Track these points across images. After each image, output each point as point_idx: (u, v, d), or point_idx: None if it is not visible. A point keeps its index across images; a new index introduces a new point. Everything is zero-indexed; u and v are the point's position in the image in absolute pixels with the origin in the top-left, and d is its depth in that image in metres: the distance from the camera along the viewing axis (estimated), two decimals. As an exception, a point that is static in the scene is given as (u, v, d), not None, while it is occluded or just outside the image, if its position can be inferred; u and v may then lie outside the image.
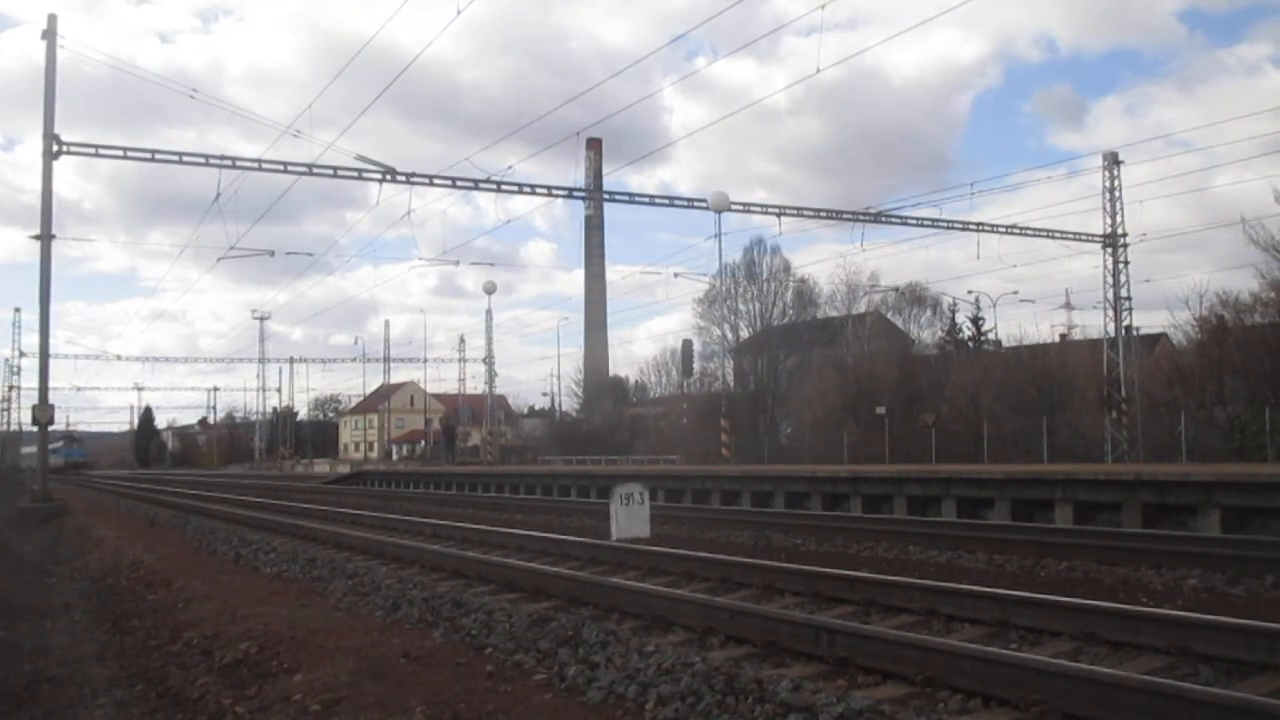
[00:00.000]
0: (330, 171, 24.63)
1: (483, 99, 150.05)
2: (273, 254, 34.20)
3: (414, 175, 25.33)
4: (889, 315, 53.49)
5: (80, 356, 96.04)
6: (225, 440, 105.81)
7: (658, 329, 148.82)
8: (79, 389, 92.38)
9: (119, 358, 77.37)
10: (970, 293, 50.87)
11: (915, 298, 52.24)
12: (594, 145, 78.22)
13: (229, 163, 24.41)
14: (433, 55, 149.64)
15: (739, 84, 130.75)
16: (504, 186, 25.77)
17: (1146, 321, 59.80)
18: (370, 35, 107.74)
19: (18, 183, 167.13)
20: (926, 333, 52.64)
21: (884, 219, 29.02)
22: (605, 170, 77.28)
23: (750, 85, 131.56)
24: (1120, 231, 29.03)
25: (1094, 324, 60.32)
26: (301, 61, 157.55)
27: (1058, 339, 43.26)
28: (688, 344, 57.32)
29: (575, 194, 39.88)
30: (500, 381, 59.85)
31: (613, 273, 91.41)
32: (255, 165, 24.55)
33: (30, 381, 74.37)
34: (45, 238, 24.30)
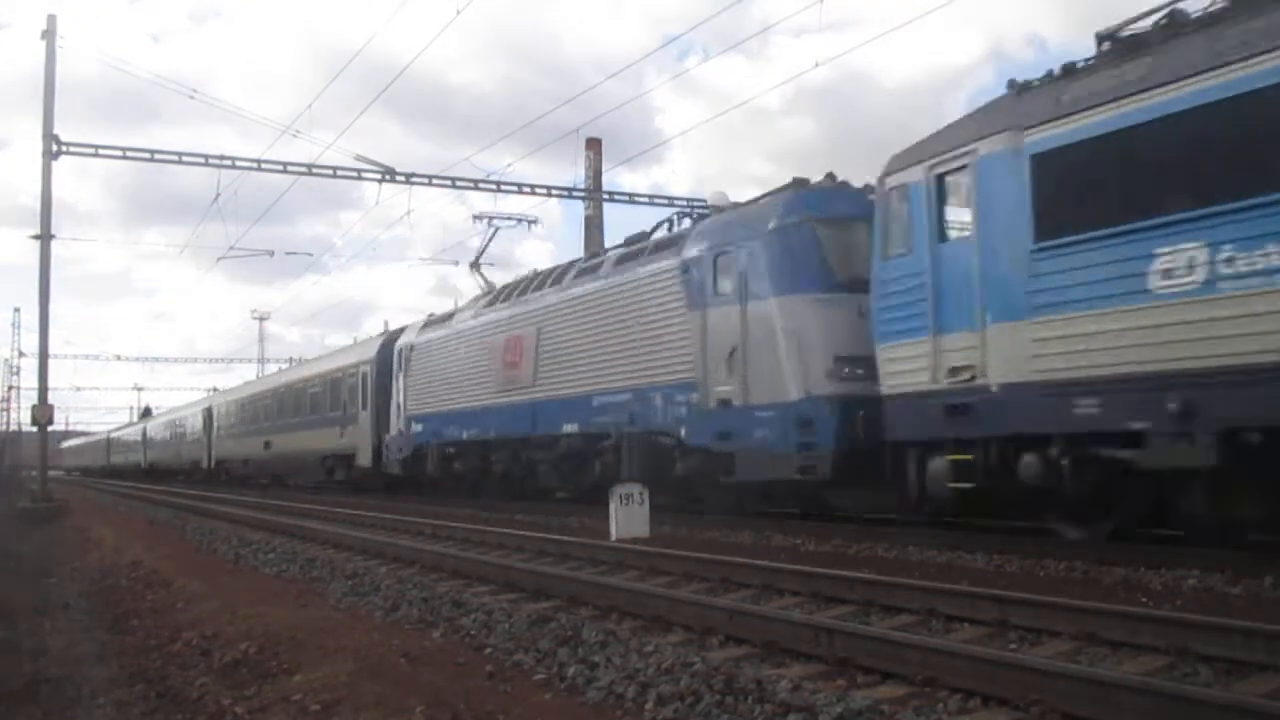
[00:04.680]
0: (330, 172, 24.63)
1: (475, 99, 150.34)
2: (272, 254, 34.40)
3: (413, 175, 25.35)
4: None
5: (80, 357, 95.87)
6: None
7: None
8: (78, 389, 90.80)
9: (118, 358, 77.19)
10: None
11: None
12: (593, 145, 77.96)
13: (229, 163, 24.43)
14: (425, 56, 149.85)
15: (732, 84, 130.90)
16: (503, 186, 25.78)
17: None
18: (369, 37, 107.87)
19: (11, 183, 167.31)
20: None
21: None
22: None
23: (743, 86, 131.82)
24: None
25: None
26: (293, 63, 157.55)
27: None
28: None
29: (575, 194, 39.87)
30: (501, 381, 58.98)
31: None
32: (255, 165, 24.54)
33: (29, 382, 74.02)
34: (45, 238, 24.31)
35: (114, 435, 73.60)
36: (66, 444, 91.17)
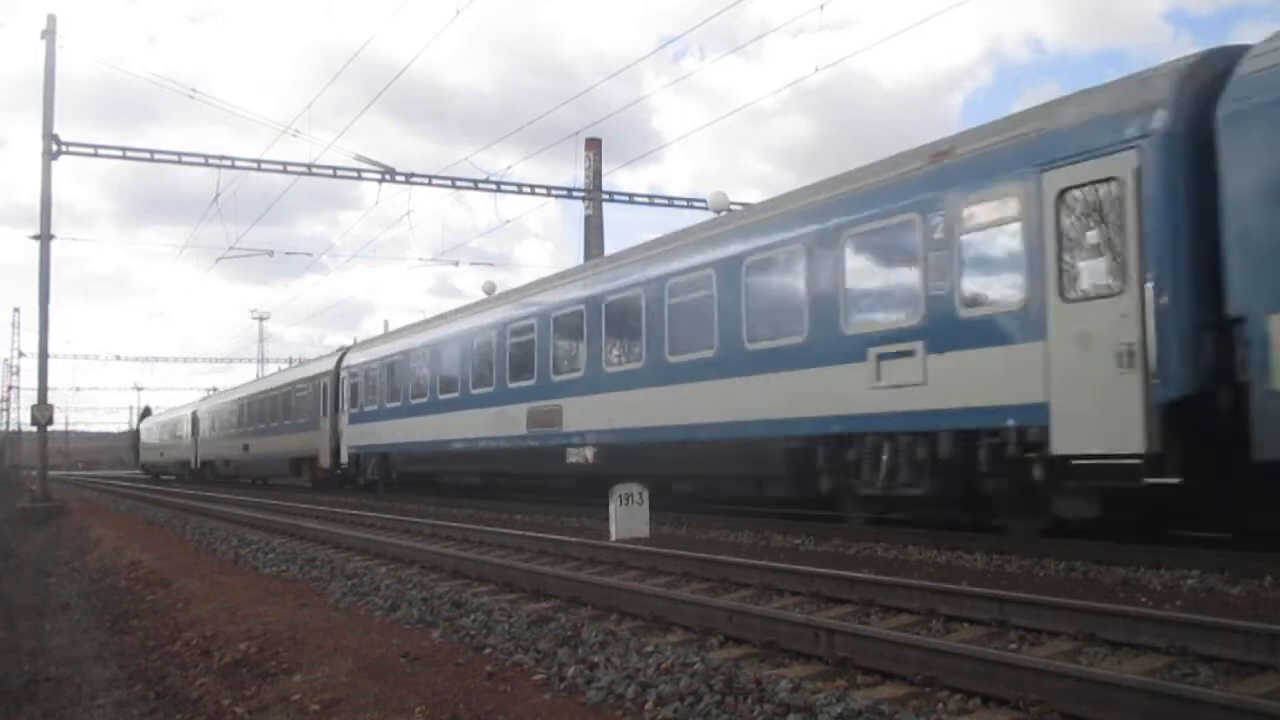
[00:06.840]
0: (330, 172, 24.66)
1: (474, 99, 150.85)
2: (272, 254, 34.39)
3: (413, 175, 25.37)
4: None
5: (80, 357, 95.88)
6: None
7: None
8: (78, 389, 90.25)
9: (118, 358, 77.14)
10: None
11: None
12: (593, 145, 77.94)
13: (228, 163, 24.45)
14: (424, 56, 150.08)
15: (730, 84, 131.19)
16: (503, 187, 25.80)
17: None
18: (369, 37, 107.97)
19: (11, 183, 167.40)
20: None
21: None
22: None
23: (741, 86, 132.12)
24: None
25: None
26: (292, 63, 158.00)
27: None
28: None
29: (575, 194, 39.87)
30: (501, 381, 58.78)
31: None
32: (255, 165, 24.57)
33: (29, 381, 73.97)
34: (45, 238, 24.32)
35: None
36: (146, 423, 67.67)
